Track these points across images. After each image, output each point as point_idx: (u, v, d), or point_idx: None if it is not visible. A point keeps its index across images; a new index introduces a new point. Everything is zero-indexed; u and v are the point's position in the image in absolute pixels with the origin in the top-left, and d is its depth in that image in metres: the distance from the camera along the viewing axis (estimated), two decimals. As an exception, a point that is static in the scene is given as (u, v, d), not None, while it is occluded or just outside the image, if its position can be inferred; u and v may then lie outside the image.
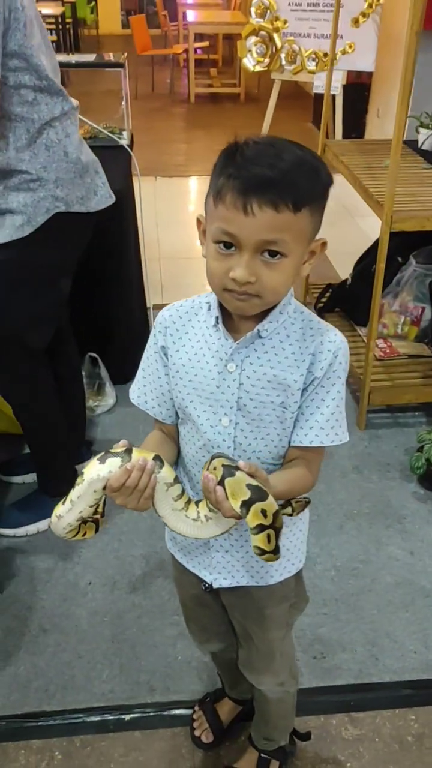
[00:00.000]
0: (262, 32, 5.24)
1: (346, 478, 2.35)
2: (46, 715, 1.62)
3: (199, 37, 8.65)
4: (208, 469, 0.93)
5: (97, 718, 1.61)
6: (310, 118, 6.72)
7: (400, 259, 2.71)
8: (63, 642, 1.78)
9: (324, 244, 0.98)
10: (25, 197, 1.71)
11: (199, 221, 0.98)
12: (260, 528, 0.90)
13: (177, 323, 1.07)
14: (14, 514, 2.12)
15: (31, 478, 2.26)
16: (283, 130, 6.34)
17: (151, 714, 1.62)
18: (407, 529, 2.15)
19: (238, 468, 0.90)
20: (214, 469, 0.92)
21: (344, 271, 3.15)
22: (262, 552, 0.92)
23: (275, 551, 0.93)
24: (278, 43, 5.24)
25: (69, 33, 9.67)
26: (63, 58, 2.55)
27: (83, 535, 1.07)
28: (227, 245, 0.91)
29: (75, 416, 2.24)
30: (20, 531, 2.08)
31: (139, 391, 1.13)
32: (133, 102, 7.93)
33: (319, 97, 5.48)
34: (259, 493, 0.89)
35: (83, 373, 2.58)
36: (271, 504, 0.89)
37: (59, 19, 8.65)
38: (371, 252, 2.41)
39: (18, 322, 1.84)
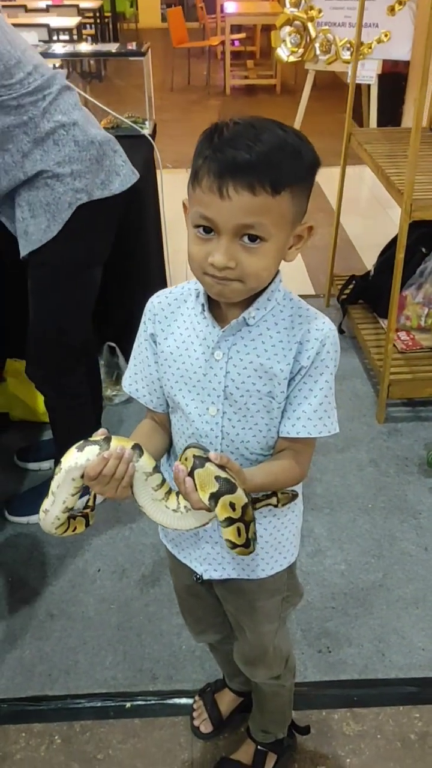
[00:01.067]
0: (297, 22, 5.18)
1: (362, 471, 2.32)
2: (48, 699, 1.64)
3: (237, 28, 8.60)
4: (180, 460, 0.92)
5: (98, 704, 1.62)
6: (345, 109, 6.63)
7: (423, 250, 2.65)
8: (69, 628, 1.80)
9: (311, 228, 0.95)
10: (45, 196, 1.68)
11: (184, 205, 0.96)
12: (229, 521, 0.88)
13: (165, 310, 1.06)
14: (28, 501, 2.14)
15: (47, 465, 2.28)
16: (318, 121, 6.27)
17: (152, 702, 1.63)
18: (423, 524, 2.10)
19: (208, 459, 0.88)
20: (186, 459, 0.91)
21: (373, 263, 3.10)
22: (234, 545, 0.91)
23: (246, 545, 0.91)
24: (312, 33, 5.17)
25: (108, 27, 9.71)
26: (85, 47, 2.55)
27: (73, 530, 1.06)
28: (206, 230, 0.89)
29: None
30: (33, 518, 2.10)
31: (131, 379, 1.12)
32: (169, 94, 8.02)
33: (356, 88, 5.41)
34: (227, 486, 0.87)
35: (102, 362, 2.59)
36: (239, 497, 0.87)
37: (97, 13, 8.68)
38: (394, 243, 2.36)
39: (57, 323, 1.85)
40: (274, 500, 1.03)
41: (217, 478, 0.87)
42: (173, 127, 6.59)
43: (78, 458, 0.92)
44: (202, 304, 1.00)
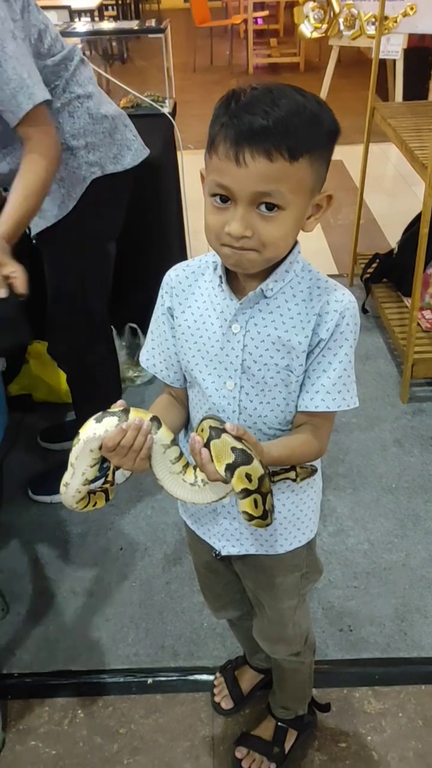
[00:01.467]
0: (320, -3, 5.10)
1: (386, 451, 2.29)
2: (71, 674, 1.66)
3: (260, 6, 8.48)
4: (196, 431, 0.92)
5: (121, 680, 1.64)
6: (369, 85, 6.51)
7: (449, 226, 2.58)
8: (92, 605, 1.81)
9: (330, 197, 0.93)
10: (60, 171, 1.67)
11: (202, 175, 0.94)
12: (246, 492, 0.87)
13: (183, 283, 1.05)
14: (52, 481, 2.15)
15: (69, 445, 2.30)
16: (342, 98, 6.16)
17: (174, 678, 1.64)
18: (447, 504, 2.08)
19: (224, 430, 0.87)
20: (202, 430, 0.90)
21: (397, 241, 3.05)
22: (251, 517, 0.90)
23: (264, 516, 0.90)
24: (336, 8, 5.09)
25: (130, 8, 9.63)
26: (106, 25, 2.52)
27: (93, 505, 1.06)
28: (222, 199, 0.87)
29: None
30: (56, 498, 2.12)
31: (148, 354, 1.12)
32: (191, 75, 7.96)
33: (380, 63, 5.29)
34: (243, 457, 0.86)
35: (124, 343, 2.59)
36: (255, 468, 0.86)
37: (120, -6, 8.63)
38: (419, 219, 2.32)
39: (76, 297, 1.86)
40: (292, 474, 1.02)
41: (233, 449, 0.86)
42: (195, 108, 6.52)
43: (96, 429, 0.92)
44: (220, 276, 0.98)
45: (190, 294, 1.04)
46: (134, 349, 2.63)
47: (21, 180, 1.52)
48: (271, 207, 0.86)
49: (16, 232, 1.51)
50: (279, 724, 1.48)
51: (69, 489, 1.00)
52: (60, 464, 2.32)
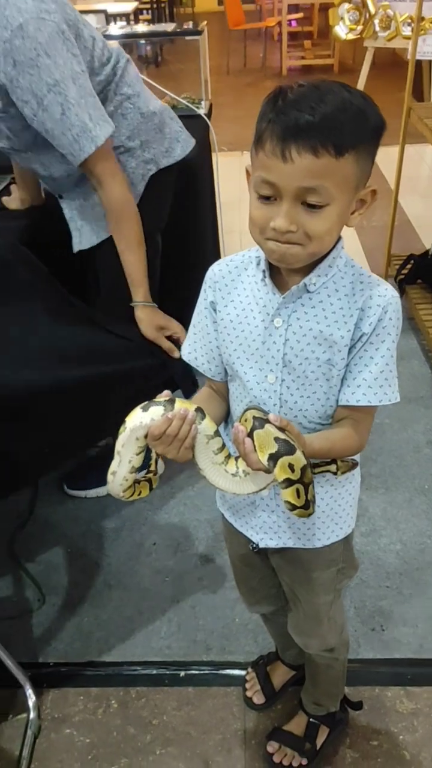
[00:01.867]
0: (356, -2, 5.08)
1: (419, 453, 2.29)
2: (106, 665, 1.68)
3: (295, 8, 8.47)
4: (240, 421, 0.93)
5: (153, 672, 1.66)
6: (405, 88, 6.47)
7: None
8: (125, 598, 1.84)
9: (374, 192, 0.94)
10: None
11: (247, 172, 0.95)
12: (288, 482, 0.89)
13: (226, 278, 1.06)
14: (86, 476, 2.20)
15: (103, 442, 2.33)
16: (377, 99, 6.11)
17: (206, 672, 1.65)
18: None
19: (268, 421, 0.89)
20: (245, 420, 0.91)
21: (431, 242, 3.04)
22: (293, 507, 0.91)
23: (306, 506, 0.91)
24: (372, 9, 5.07)
25: (164, 12, 9.70)
26: (141, 28, 2.56)
27: (138, 495, 1.09)
28: (267, 197, 0.89)
29: None
30: (91, 492, 2.16)
31: (190, 347, 1.14)
32: (225, 77, 7.99)
33: (416, 65, 5.26)
34: (286, 447, 0.87)
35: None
36: (298, 458, 0.88)
37: (154, -2, 8.70)
38: (455, 220, 2.31)
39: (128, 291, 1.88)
40: (333, 467, 1.03)
41: (276, 439, 0.88)
42: (228, 110, 6.56)
43: (143, 418, 0.94)
44: (263, 271, 1.00)
45: (233, 288, 1.05)
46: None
47: (119, 243, 1.62)
48: (315, 204, 0.87)
49: (147, 287, 1.65)
50: (311, 720, 1.48)
51: (116, 477, 1.02)
52: (96, 461, 2.35)
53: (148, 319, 1.65)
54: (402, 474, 2.19)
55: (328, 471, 1.04)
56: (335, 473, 1.04)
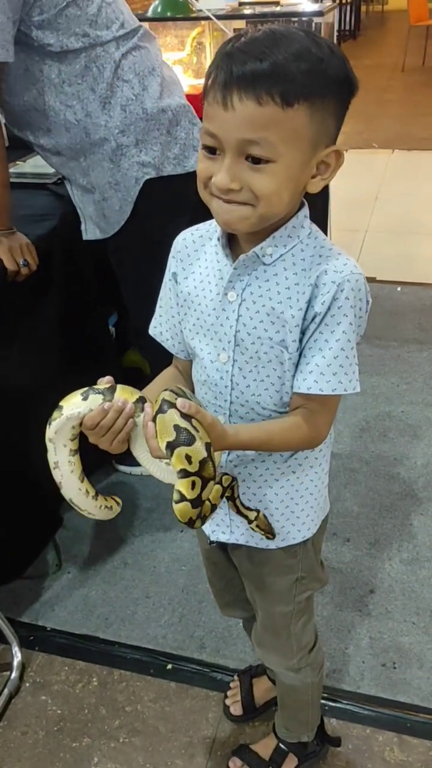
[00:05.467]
0: None
1: None
2: (98, 641, 1.66)
3: None
4: (152, 402, 0.85)
5: (141, 658, 1.61)
6: None
7: None
8: (137, 579, 1.81)
9: (338, 153, 0.82)
10: (113, 175, 1.58)
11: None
12: (185, 473, 0.80)
13: (189, 248, 0.99)
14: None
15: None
16: None
17: (193, 670, 1.58)
18: None
19: (173, 406, 0.80)
20: (156, 402, 0.83)
21: None
22: (181, 498, 0.81)
23: (196, 502, 0.81)
24: None
25: (350, 7, 9.50)
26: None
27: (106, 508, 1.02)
28: (211, 150, 0.80)
29: None
30: (136, 470, 2.14)
31: (155, 321, 1.06)
32: (398, 74, 7.73)
33: None
34: (186, 437, 0.79)
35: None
36: (196, 450, 0.78)
37: (338, -7, 8.54)
38: None
39: (143, 313, 1.82)
40: (252, 515, 0.97)
41: (176, 426, 0.79)
42: (393, 108, 6.33)
43: (80, 407, 0.88)
44: (218, 238, 0.91)
45: (195, 260, 0.98)
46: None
47: None
48: (258, 160, 0.77)
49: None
50: (279, 744, 1.36)
51: (61, 471, 0.95)
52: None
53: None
54: (465, 504, 1.97)
55: (245, 516, 0.98)
56: (249, 521, 0.98)
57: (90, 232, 1.71)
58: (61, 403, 0.90)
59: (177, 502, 0.82)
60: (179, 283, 0.99)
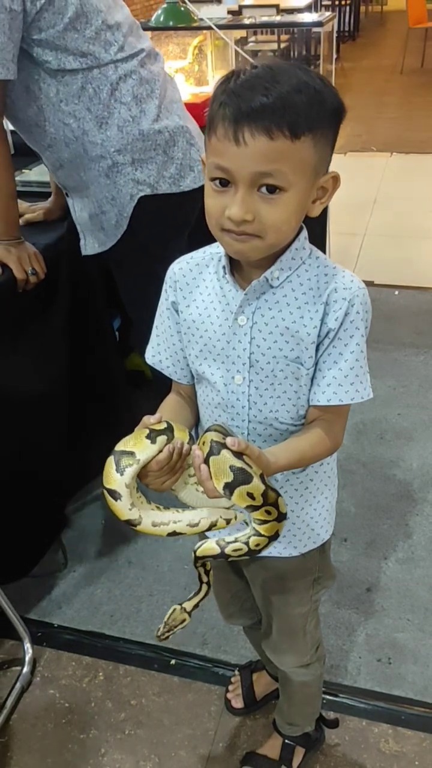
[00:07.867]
0: None
1: None
2: (104, 637, 1.72)
3: None
4: (198, 444, 0.87)
5: (145, 654, 1.67)
6: None
7: None
8: (141, 577, 1.86)
9: (336, 178, 0.88)
10: (109, 190, 1.61)
11: (202, 161, 0.90)
12: (253, 508, 0.84)
13: (187, 276, 1.02)
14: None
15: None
16: None
17: (195, 665, 1.64)
18: None
19: (224, 445, 0.83)
20: (203, 444, 0.85)
21: None
22: (264, 521, 0.87)
23: (280, 518, 0.87)
24: None
25: (349, 8, 9.53)
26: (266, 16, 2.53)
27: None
28: (222, 182, 0.84)
29: None
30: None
31: (153, 350, 1.08)
32: (397, 77, 7.76)
33: None
34: (243, 476, 0.81)
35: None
36: (256, 486, 0.82)
37: (337, -7, 8.58)
38: None
39: (143, 319, 1.85)
40: (250, 542, 0.92)
41: (231, 467, 0.82)
42: (391, 111, 6.37)
43: (152, 450, 0.87)
44: (224, 267, 0.96)
45: (195, 287, 1.01)
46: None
47: None
48: (272, 189, 0.82)
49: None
50: (286, 741, 1.42)
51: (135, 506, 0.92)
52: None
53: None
54: (458, 505, 2.03)
55: (238, 547, 0.94)
56: (246, 550, 0.94)
57: (89, 246, 1.75)
58: (128, 449, 0.87)
59: (262, 524, 0.88)
60: (181, 311, 1.02)
